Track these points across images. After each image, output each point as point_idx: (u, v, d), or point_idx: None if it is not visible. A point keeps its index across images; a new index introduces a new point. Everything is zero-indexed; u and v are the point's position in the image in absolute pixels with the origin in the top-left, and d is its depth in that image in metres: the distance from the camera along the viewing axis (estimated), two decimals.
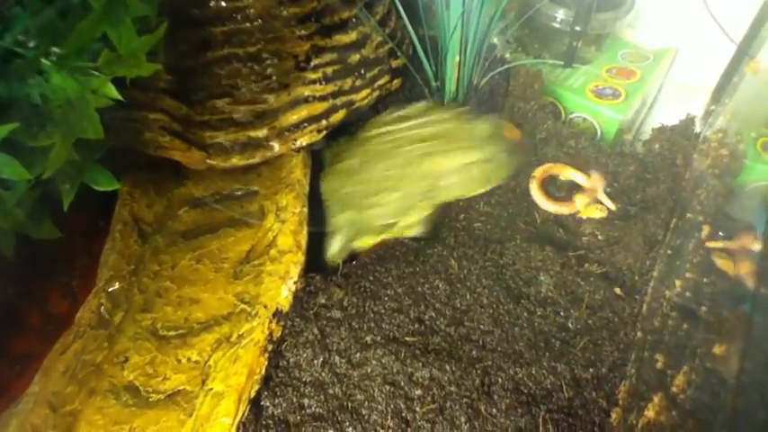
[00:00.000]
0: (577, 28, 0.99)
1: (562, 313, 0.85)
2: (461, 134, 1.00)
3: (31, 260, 0.89)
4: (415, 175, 0.96)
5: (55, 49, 0.69)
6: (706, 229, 0.80)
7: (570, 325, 0.85)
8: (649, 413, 0.62)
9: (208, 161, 0.95)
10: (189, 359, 0.83)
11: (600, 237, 0.96)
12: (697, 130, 1.02)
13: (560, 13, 1.17)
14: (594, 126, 1.19)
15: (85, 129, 0.73)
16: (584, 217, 0.99)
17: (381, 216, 0.96)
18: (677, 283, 0.77)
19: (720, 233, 0.86)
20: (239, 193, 0.99)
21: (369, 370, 0.79)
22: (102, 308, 0.87)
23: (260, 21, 0.91)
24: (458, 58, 1.03)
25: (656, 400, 0.64)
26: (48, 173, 0.71)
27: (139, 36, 0.74)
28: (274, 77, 0.93)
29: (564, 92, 1.21)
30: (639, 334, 0.79)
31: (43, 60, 0.68)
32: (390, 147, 0.98)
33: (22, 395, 0.79)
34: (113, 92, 0.73)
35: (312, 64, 0.94)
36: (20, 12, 0.68)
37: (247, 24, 0.91)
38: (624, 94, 1.20)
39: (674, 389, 0.63)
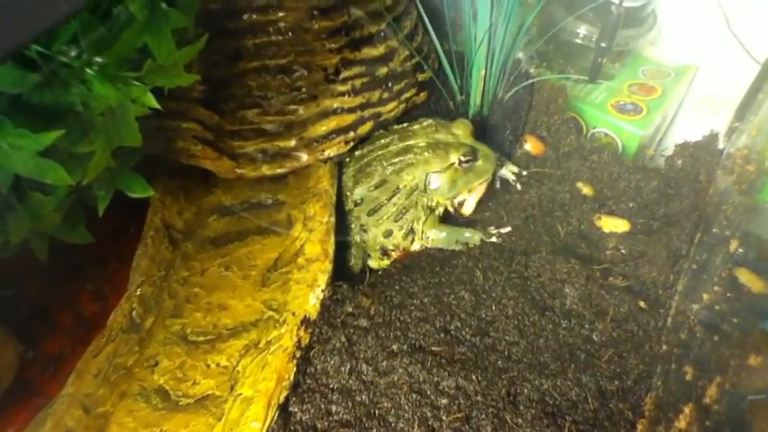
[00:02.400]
0: (603, 44, 1.01)
1: (587, 326, 0.86)
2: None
3: (64, 263, 0.91)
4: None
5: (97, 59, 0.71)
6: (734, 243, 0.81)
7: (595, 337, 0.85)
8: (680, 424, 0.63)
9: (237, 170, 0.96)
10: (218, 364, 0.85)
11: (623, 250, 0.97)
12: (720, 146, 1.03)
13: (583, 29, 1.18)
14: (616, 141, 1.20)
15: (125, 136, 0.75)
16: (607, 231, 1.00)
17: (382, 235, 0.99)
18: (704, 296, 0.78)
19: (742, 250, 0.87)
20: (267, 202, 1.01)
21: (395, 378, 0.80)
22: (134, 312, 0.88)
23: (291, 34, 0.93)
24: (483, 72, 1.05)
25: (686, 410, 0.64)
26: (87, 179, 0.73)
27: (178, 46, 0.76)
28: (304, 89, 0.95)
29: (586, 107, 1.22)
30: (665, 347, 0.80)
31: (87, 69, 0.71)
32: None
33: (56, 396, 0.81)
34: (152, 101, 0.75)
35: (341, 76, 0.96)
36: (66, 22, 0.70)
37: (279, 37, 0.93)
38: (645, 109, 1.21)
39: (706, 400, 0.64)
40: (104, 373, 0.83)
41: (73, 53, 0.70)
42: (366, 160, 0.98)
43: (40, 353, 0.88)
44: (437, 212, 1.00)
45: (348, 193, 0.98)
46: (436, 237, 0.97)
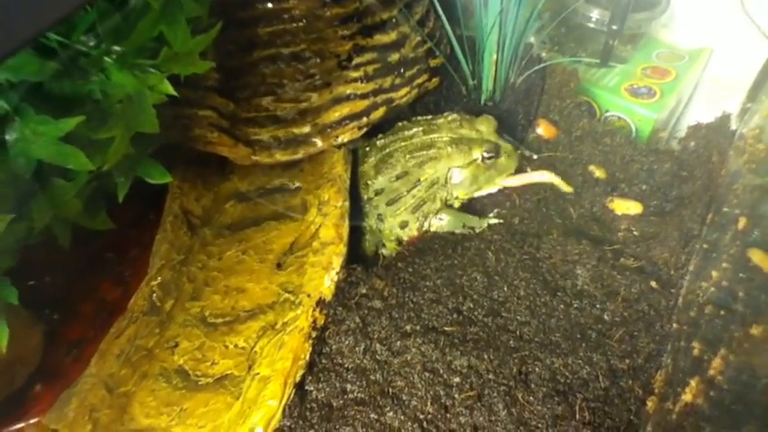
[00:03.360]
0: (614, 27, 1.01)
1: (598, 306, 0.87)
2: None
3: (85, 249, 0.93)
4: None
5: (116, 48, 0.73)
6: (743, 221, 0.81)
7: (606, 317, 0.86)
8: (686, 397, 0.64)
9: (253, 157, 0.98)
10: (236, 345, 0.87)
11: (635, 232, 0.97)
12: (733, 127, 1.03)
13: (595, 13, 1.18)
14: (629, 125, 1.21)
15: (143, 123, 0.77)
16: (620, 213, 1.00)
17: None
18: (714, 275, 0.78)
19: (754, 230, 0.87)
20: (283, 187, 1.03)
21: (408, 358, 0.82)
22: (154, 295, 0.91)
23: (304, 21, 0.95)
24: (495, 57, 1.05)
25: (693, 383, 0.65)
26: (107, 165, 0.76)
27: (192, 35, 0.78)
28: (317, 76, 0.97)
29: (599, 91, 1.22)
30: (675, 326, 0.81)
31: (105, 58, 0.73)
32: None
33: (79, 376, 0.83)
34: (169, 88, 0.77)
35: (354, 63, 0.97)
36: (84, 12, 0.72)
37: (292, 25, 0.95)
38: (659, 93, 1.21)
39: (711, 371, 0.65)
40: (126, 354, 0.86)
41: (92, 42, 0.72)
42: (388, 150, 1.00)
43: (63, 337, 0.91)
44: (454, 206, 1.02)
45: (369, 182, 1.00)
46: (439, 222, 0.99)
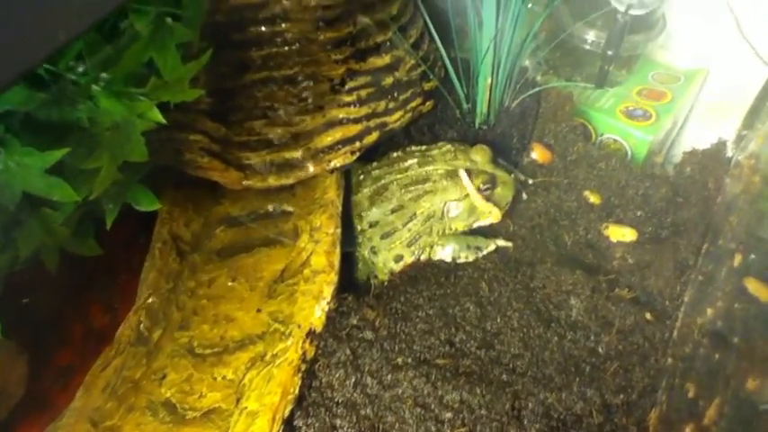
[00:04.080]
0: (609, 52, 1.00)
1: (592, 338, 0.86)
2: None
3: (73, 275, 0.92)
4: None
5: (104, 75, 0.72)
6: (738, 258, 0.80)
7: (600, 350, 0.85)
8: None
9: (244, 182, 0.97)
10: (224, 377, 0.85)
11: (630, 260, 0.96)
12: (729, 154, 1.02)
13: (591, 35, 1.17)
14: (625, 147, 1.20)
15: (131, 151, 0.75)
16: (615, 240, 0.99)
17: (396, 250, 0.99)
18: (708, 311, 0.77)
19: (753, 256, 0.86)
20: (274, 212, 1.01)
21: (400, 392, 0.81)
22: (142, 325, 0.89)
23: (297, 45, 0.93)
24: (489, 81, 1.04)
25: (687, 431, 0.64)
26: (94, 194, 0.74)
27: (183, 60, 0.77)
28: (310, 100, 0.96)
29: (595, 113, 1.21)
30: (670, 360, 0.80)
31: (93, 86, 0.71)
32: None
33: (65, 409, 0.82)
34: (158, 116, 0.75)
35: (347, 87, 0.96)
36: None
37: (285, 48, 0.93)
38: (655, 115, 1.20)
39: (705, 420, 0.64)
40: (112, 387, 0.84)
41: (80, 68, 0.71)
42: (383, 182, 0.98)
43: (50, 365, 0.90)
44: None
45: (363, 214, 0.98)
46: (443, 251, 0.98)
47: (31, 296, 0.91)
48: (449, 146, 1.00)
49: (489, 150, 0.99)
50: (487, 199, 0.97)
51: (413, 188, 0.97)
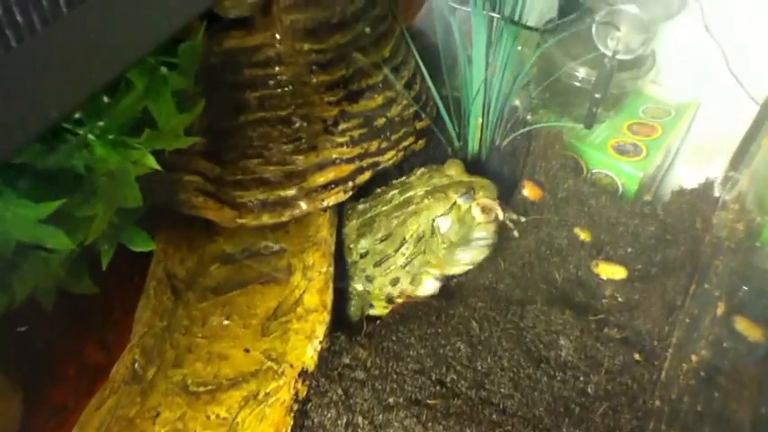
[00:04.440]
0: (597, 95, 1.02)
1: (582, 378, 0.87)
2: None
3: (68, 313, 0.93)
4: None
5: (99, 123, 0.73)
6: (721, 307, 0.81)
7: (590, 390, 0.86)
8: None
9: (239, 220, 0.98)
10: (218, 416, 0.86)
11: (620, 299, 0.97)
12: (716, 194, 1.04)
13: (582, 73, 1.19)
14: (616, 182, 1.21)
15: (126, 197, 0.77)
16: (605, 277, 1.00)
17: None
18: (693, 358, 0.79)
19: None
20: (268, 250, 1.03)
21: None
22: (136, 363, 0.90)
23: (291, 87, 0.95)
24: (480, 120, 1.06)
25: None
26: (89, 239, 0.75)
27: (178, 107, 0.78)
28: (304, 140, 0.97)
29: (586, 148, 1.23)
30: (658, 402, 0.81)
31: (89, 135, 0.73)
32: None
33: None
34: (153, 162, 0.77)
35: (340, 128, 0.98)
36: None
37: (279, 90, 0.95)
38: (645, 150, 1.22)
39: None
40: (107, 426, 0.85)
41: (76, 116, 0.73)
42: (369, 216, 1.00)
43: (44, 402, 0.90)
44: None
45: (351, 246, 1.00)
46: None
47: (27, 334, 0.92)
48: (423, 169, 1.02)
49: (461, 162, 1.00)
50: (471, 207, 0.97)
51: (397, 213, 0.98)
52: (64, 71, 0.45)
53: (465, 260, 0.99)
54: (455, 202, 0.96)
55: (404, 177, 1.04)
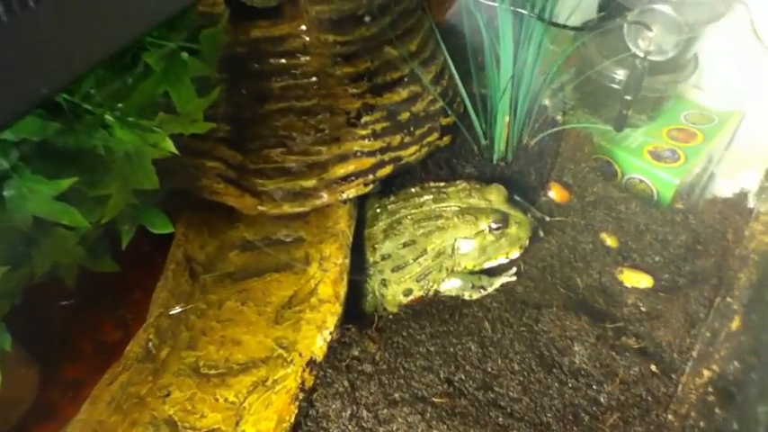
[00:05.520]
0: (627, 97, 0.99)
1: (594, 386, 0.84)
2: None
3: (88, 291, 0.95)
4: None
5: (119, 105, 0.75)
6: (736, 322, 0.78)
7: (602, 399, 0.83)
8: None
9: (259, 207, 0.99)
10: (226, 399, 0.87)
11: (643, 308, 0.94)
12: (750, 205, 0.99)
13: (620, 74, 1.16)
14: (651, 189, 1.17)
15: (142, 180, 0.78)
16: (629, 285, 0.97)
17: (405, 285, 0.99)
18: (705, 373, 0.75)
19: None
20: (288, 239, 1.03)
21: (394, 428, 0.81)
22: (150, 343, 0.92)
23: (315, 78, 0.95)
24: (507, 118, 1.04)
25: None
26: (105, 219, 0.77)
27: (200, 93, 0.79)
28: (326, 131, 0.97)
29: (621, 152, 1.19)
30: (671, 417, 0.78)
31: (107, 116, 0.74)
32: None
33: (70, 421, 0.85)
34: (171, 146, 0.77)
35: (362, 121, 0.98)
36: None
37: (304, 80, 0.96)
38: (683, 156, 1.18)
39: None
40: (117, 401, 0.87)
41: (97, 97, 0.74)
42: (398, 216, 0.99)
43: (60, 377, 0.93)
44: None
45: (376, 246, 0.99)
46: (447, 285, 0.98)
47: (47, 309, 0.95)
48: (464, 184, 1.00)
49: (504, 190, 0.98)
50: (501, 237, 0.96)
51: (425, 223, 0.97)
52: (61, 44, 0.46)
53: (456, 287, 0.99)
54: (482, 230, 0.95)
55: (443, 183, 1.02)
